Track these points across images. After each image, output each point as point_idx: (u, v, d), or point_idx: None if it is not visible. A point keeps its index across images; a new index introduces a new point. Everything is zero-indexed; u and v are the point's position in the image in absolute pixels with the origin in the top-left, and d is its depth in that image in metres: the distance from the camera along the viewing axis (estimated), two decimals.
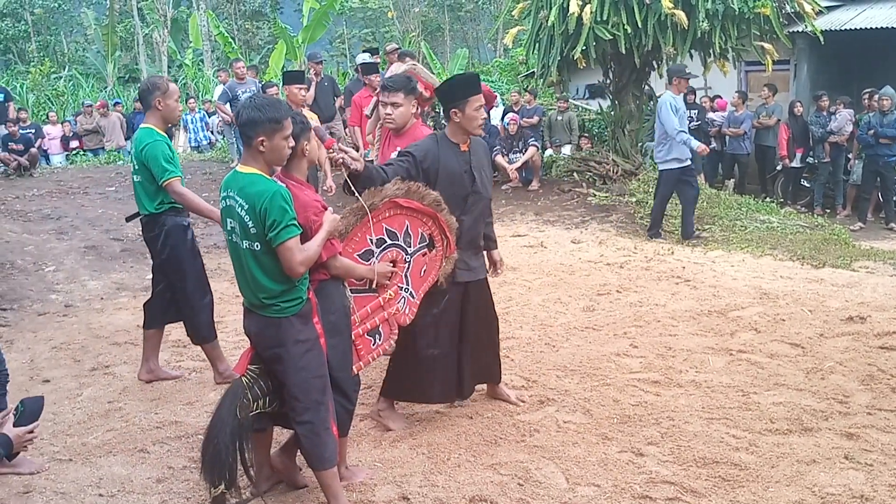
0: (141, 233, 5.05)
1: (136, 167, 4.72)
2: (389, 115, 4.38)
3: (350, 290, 3.64)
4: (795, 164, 12.12)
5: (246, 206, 3.10)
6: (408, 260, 3.91)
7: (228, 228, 3.24)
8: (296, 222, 3.12)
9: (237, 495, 3.36)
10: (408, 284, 3.94)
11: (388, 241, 3.81)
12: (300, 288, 3.22)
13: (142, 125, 4.80)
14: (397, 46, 11.39)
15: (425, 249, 3.99)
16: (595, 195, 10.23)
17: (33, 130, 13.52)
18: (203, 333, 4.97)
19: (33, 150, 12.52)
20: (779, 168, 12.41)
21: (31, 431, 3.28)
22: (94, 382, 5.15)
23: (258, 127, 3.11)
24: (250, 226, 3.10)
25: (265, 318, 3.23)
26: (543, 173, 11.35)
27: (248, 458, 3.32)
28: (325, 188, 7.65)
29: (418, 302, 4.03)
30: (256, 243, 3.13)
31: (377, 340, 3.81)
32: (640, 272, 7.21)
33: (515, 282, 7.05)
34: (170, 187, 4.58)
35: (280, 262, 3.12)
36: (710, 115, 13.05)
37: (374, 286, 3.77)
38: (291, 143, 3.21)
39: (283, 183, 3.29)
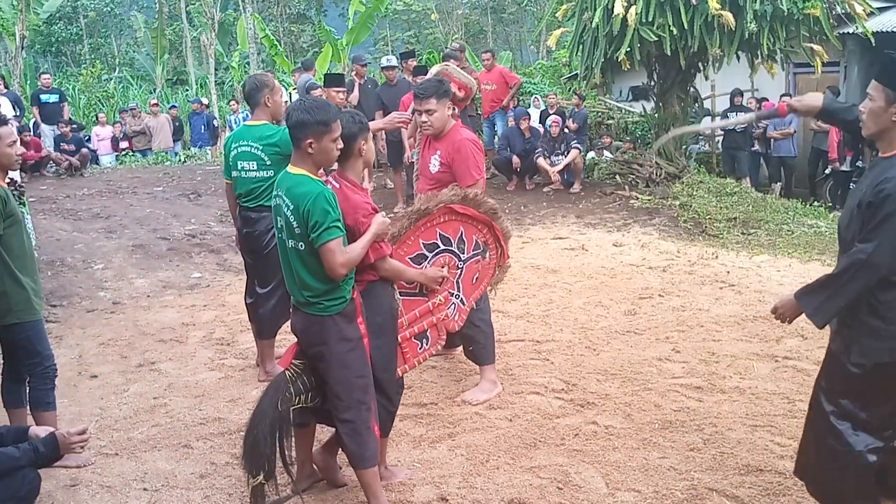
0: (246, 227, 4.94)
1: (268, 162, 4.72)
2: (426, 121, 4.39)
3: (399, 292, 3.65)
4: (845, 167, 11.87)
5: (291, 206, 3.15)
6: (460, 266, 3.93)
7: (278, 227, 3.29)
8: (339, 224, 3.14)
9: (276, 491, 3.40)
10: (459, 291, 3.94)
11: (442, 247, 3.83)
12: (344, 288, 3.25)
13: (252, 122, 4.86)
14: (459, 46, 11.37)
15: (479, 257, 3.99)
16: (638, 198, 10.12)
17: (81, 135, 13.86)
18: (266, 329, 5.04)
19: (84, 150, 12.82)
20: (828, 171, 12.17)
21: (82, 434, 3.35)
22: (140, 378, 5.25)
23: (307, 129, 3.16)
24: (295, 226, 3.15)
25: (309, 315, 3.26)
26: (585, 176, 11.27)
27: (287, 453, 3.36)
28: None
29: (468, 309, 4.03)
30: (301, 243, 3.17)
31: (424, 345, 3.82)
32: (684, 276, 7.12)
33: (556, 284, 7.01)
34: None
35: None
36: None
37: (423, 290, 3.78)
38: (340, 144, 3.24)
39: (338, 183, 3.34)
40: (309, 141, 3.16)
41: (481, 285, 4.10)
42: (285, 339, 5.47)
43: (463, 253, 3.93)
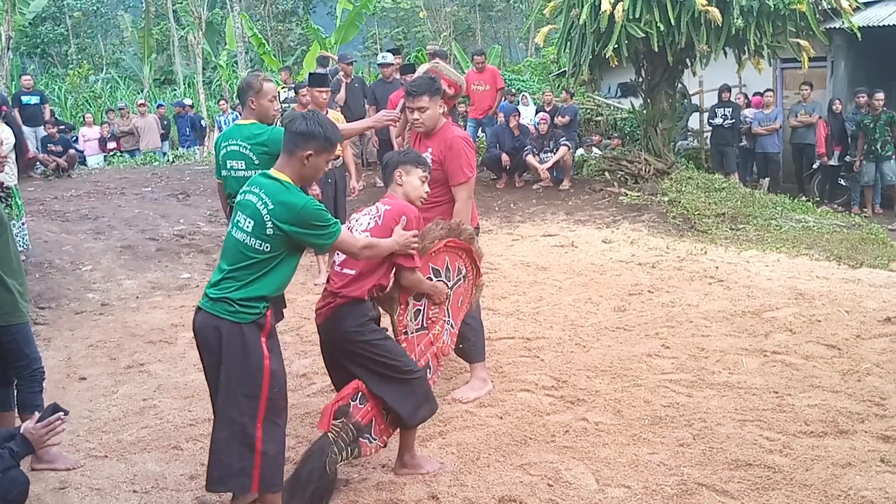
0: None
1: (256, 162, 4.72)
2: (417, 119, 4.35)
3: (408, 331, 3.78)
4: (833, 162, 11.93)
5: (271, 207, 3.08)
6: (449, 294, 3.99)
7: (237, 219, 3.18)
8: (336, 220, 3.19)
9: None
10: (450, 317, 4.02)
11: (434, 279, 3.89)
12: (261, 304, 3.14)
13: (242, 122, 4.88)
14: (437, 47, 11.38)
15: (461, 282, 4.07)
16: (627, 194, 10.15)
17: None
18: None
19: (72, 151, 12.75)
20: (816, 166, 12.23)
21: (50, 425, 3.29)
22: (129, 380, 5.23)
23: (312, 141, 3.14)
24: (269, 226, 3.07)
25: (215, 317, 3.15)
26: (575, 172, 11.29)
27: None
28: (349, 189, 7.61)
29: (457, 332, 4.10)
30: (266, 244, 3.09)
31: (428, 374, 3.85)
32: (673, 272, 7.14)
33: (546, 281, 7.02)
34: None
35: (265, 274, 3.12)
36: (745, 111, 12.89)
37: (424, 324, 3.86)
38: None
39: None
40: (308, 153, 3.13)
41: (465, 307, 4.17)
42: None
43: (450, 280, 3.99)
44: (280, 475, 3.23)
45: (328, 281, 3.67)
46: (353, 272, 3.54)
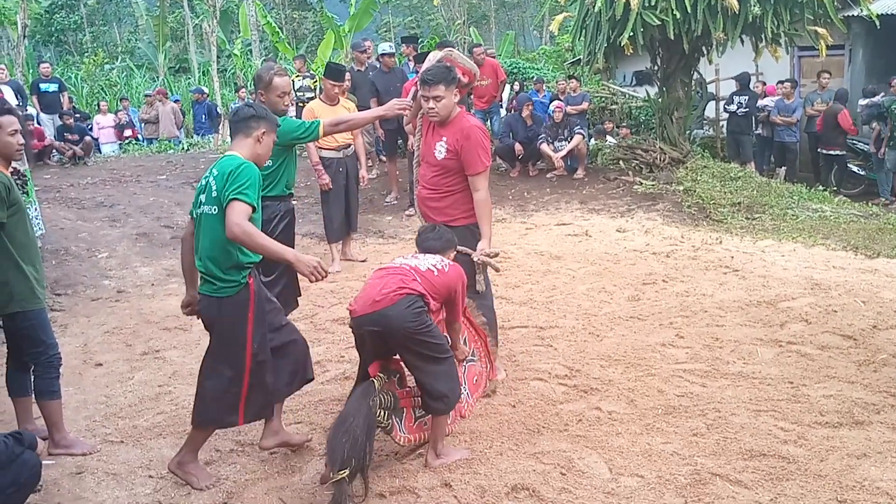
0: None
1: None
2: (433, 108, 4.29)
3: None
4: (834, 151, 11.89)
5: (216, 173, 3.40)
6: (467, 358, 4.23)
7: (198, 198, 3.52)
8: (255, 201, 3.35)
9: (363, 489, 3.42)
10: (465, 384, 4.16)
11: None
12: (239, 272, 3.47)
13: None
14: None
15: (475, 362, 4.33)
16: (641, 183, 10.10)
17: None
18: None
19: (88, 138, 12.82)
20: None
21: None
22: (144, 366, 5.26)
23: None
24: (214, 188, 3.40)
25: (206, 296, 3.54)
26: (589, 161, 11.24)
27: (370, 457, 3.44)
28: (360, 177, 7.54)
29: (472, 403, 4.23)
30: (214, 207, 3.39)
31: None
32: (687, 261, 7.11)
33: (560, 270, 7.01)
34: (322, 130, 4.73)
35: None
36: (762, 101, 12.78)
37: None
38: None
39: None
40: None
41: (479, 387, 4.35)
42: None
43: (468, 347, 4.27)
44: (267, 404, 3.65)
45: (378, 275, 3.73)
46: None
